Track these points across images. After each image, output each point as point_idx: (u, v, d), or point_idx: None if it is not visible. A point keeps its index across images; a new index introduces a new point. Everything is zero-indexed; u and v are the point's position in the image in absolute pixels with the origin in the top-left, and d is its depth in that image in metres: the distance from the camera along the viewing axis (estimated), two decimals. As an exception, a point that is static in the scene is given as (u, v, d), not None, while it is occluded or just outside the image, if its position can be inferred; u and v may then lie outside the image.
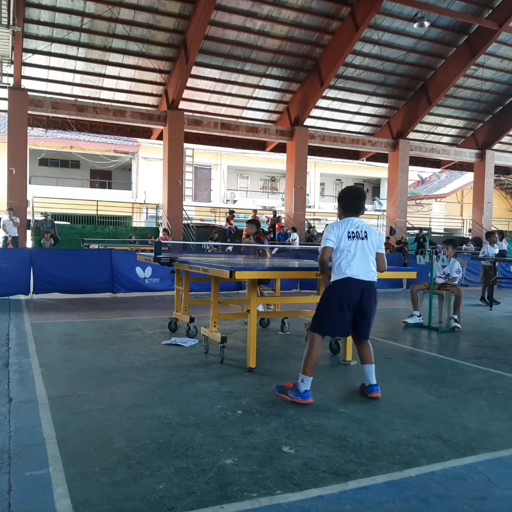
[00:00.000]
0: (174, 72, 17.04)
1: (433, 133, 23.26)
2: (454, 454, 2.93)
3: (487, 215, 24.27)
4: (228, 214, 20.67)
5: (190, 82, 17.41)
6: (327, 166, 32.43)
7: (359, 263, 3.81)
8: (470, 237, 24.39)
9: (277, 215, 21.25)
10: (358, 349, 4.08)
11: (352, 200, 4.02)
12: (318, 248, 4.31)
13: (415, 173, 34.00)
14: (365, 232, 3.88)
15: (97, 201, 21.00)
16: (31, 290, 9.62)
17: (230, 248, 14.75)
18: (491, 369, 4.99)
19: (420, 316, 7.44)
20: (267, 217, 21.44)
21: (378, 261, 3.96)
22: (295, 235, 18.06)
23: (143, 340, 5.98)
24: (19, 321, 7.16)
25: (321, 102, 19.91)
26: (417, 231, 21.01)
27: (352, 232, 3.84)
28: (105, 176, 30.89)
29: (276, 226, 19.59)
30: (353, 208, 3.97)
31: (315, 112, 20.17)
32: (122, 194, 28.55)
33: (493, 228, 24.20)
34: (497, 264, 10.71)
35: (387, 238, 20.83)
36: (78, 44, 15.86)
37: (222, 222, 24.26)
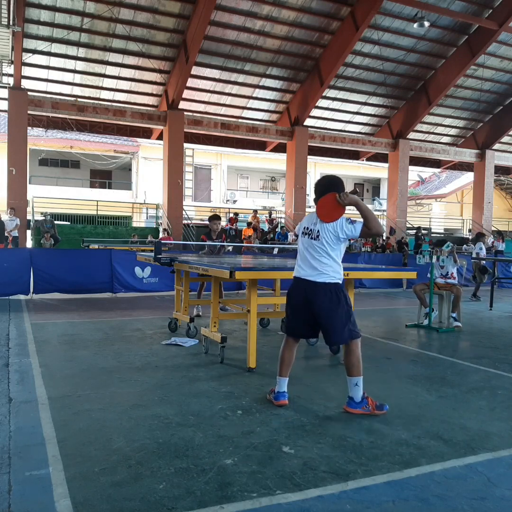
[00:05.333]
0: (174, 72, 17.03)
1: (433, 133, 23.25)
2: (454, 454, 2.93)
3: (487, 215, 24.26)
4: (233, 215, 20.67)
5: (190, 82, 17.40)
6: (327, 166, 32.39)
7: (306, 261, 3.61)
8: (470, 237, 24.38)
9: (273, 216, 21.29)
10: None
11: (317, 189, 3.72)
12: None
13: (415, 173, 33.98)
14: (318, 231, 3.57)
15: (97, 201, 21.00)
16: (31, 290, 9.62)
17: (230, 248, 14.75)
18: (491, 369, 4.99)
19: (433, 310, 7.42)
20: (266, 217, 21.43)
21: (363, 231, 3.54)
22: None
23: (143, 340, 5.98)
24: (19, 321, 7.16)
25: (321, 102, 19.90)
26: (414, 231, 21.00)
27: (306, 228, 3.67)
28: (105, 176, 30.86)
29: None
30: (317, 198, 3.70)
31: (315, 112, 20.17)
32: (122, 194, 28.52)
33: (493, 228, 24.24)
34: (483, 262, 10.82)
35: (387, 238, 20.84)
36: (78, 44, 15.85)
37: (222, 222, 24.20)
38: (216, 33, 16.39)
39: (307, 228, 3.66)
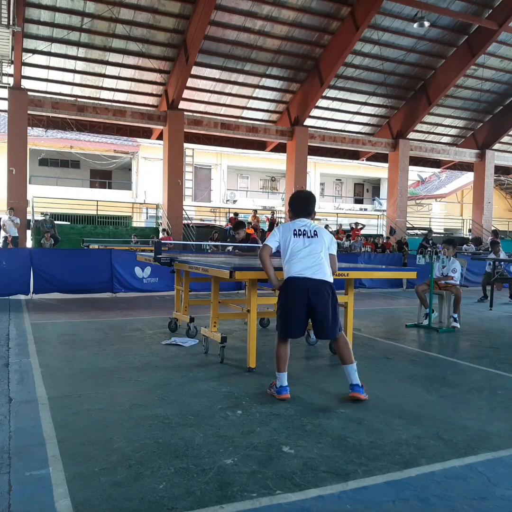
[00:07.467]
0: (174, 72, 17.04)
1: (433, 133, 23.26)
2: (454, 454, 2.93)
3: (487, 215, 24.27)
4: (233, 215, 20.68)
5: (190, 82, 17.41)
6: (327, 166, 32.43)
7: (305, 260, 3.79)
8: (470, 237, 24.37)
9: (275, 216, 21.30)
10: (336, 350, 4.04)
11: (299, 203, 4.07)
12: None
13: (415, 173, 33.99)
14: (315, 231, 3.90)
15: (97, 201, 21.00)
16: (31, 290, 9.62)
17: (230, 248, 14.75)
18: (491, 369, 4.99)
19: (433, 311, 7.41)
20: (267, 217, 21.44)
21: (330, 262, 3.92)
22: None
23: (143, 340, 5.98)
24: (19, 321, 7.16)
25: (321, 102, 19.91)
26: (425, 232, 20.85)
27: (299, 230, 3.88)
28: (105, 176, 30.87)
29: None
30: (302, 210, 4.02)
31: (315, 112, 20.17)
32: (122, 194, 28.54)
33: (493, 228, 24.21)
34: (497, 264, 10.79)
35: (387, 238, 20.83)
36: (78, 44, 15.86)
37: (222, 222, 24.24)
38: (216, 33, 16.39)
39: (299, 230, 3.87)
